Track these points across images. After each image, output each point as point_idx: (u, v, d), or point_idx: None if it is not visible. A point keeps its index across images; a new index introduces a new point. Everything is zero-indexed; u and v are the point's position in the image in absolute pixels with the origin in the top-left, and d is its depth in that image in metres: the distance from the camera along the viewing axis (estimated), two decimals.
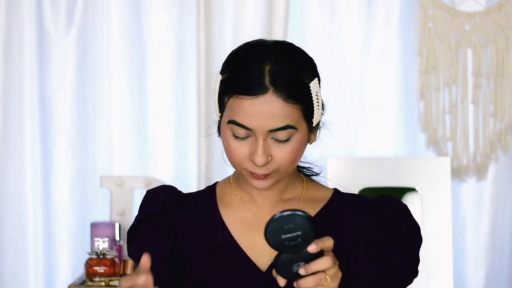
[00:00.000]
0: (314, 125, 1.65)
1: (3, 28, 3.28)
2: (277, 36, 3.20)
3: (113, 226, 2.97)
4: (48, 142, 3.30)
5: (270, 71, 1.59)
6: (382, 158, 3.19)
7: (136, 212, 3.17)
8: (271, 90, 1.58)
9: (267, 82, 1.59)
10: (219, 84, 1.64)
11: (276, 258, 1.46)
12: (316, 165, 1.81)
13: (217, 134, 1.71)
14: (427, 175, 3.12)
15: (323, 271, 1.45)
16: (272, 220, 1.43)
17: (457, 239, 3.27)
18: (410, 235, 1.70)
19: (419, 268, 1.72)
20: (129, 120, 3.32)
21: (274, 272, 1.47)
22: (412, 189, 3.12)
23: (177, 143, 3.32)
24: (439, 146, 3.29)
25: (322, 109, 1.67)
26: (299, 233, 1.43)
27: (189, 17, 3.31)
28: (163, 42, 3.31)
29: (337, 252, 1.48)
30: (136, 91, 3.32)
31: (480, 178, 3.29)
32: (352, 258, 1.63)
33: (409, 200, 3.09)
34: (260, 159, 1.60)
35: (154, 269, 1.56)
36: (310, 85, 1.62)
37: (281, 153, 1.62)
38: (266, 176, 1.63)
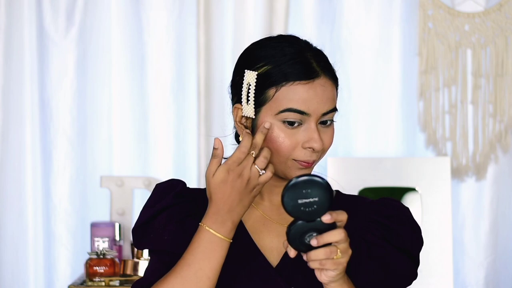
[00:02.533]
0: None
1: (3, 28, 3.27)
2: None
3: (113, 226, 2.97)
4: (48, 142, 3.30)
5: (312, 56, 1.63)
6: (382, 158, 3.19)
7: (136, 212, 3.21)
8: (322, 74, 1.62)
9: (316, 66, 1.62)
10: (255, 80, 1.63)
11: (289, 227, 1.46)
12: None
13: (234, 137, 1.70)
14: (427, 175, 3.12)
15: (334, 246, 1.46)
16: (291, 183, 1.44)
17: (457, 239, 3.27)
18: (411, 237, 1.70)
19: (419, 268, 1.73)
20: (129, 120, 3.32)
21: (284, 243, 1.48)
22: (412, 189, 3.12)
23: (177, 143, 3.32)
24: (439, 146, 3.29)
25: None
26: (315, 199, 1.44)
27: (189, 17, 3.30)
28: (163, 42, 3.30)
29: None
30: (136, 91, 3.32)
31: (479, 178, 3.30)
32: (353, 258, 1.63)
33: (409, 200, 3.10)
34: (319, 143, 1.61)
35: (182, 250, 1.60)
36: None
37: (326, 137, 1.64)
38: (312, 163, 1.64)
